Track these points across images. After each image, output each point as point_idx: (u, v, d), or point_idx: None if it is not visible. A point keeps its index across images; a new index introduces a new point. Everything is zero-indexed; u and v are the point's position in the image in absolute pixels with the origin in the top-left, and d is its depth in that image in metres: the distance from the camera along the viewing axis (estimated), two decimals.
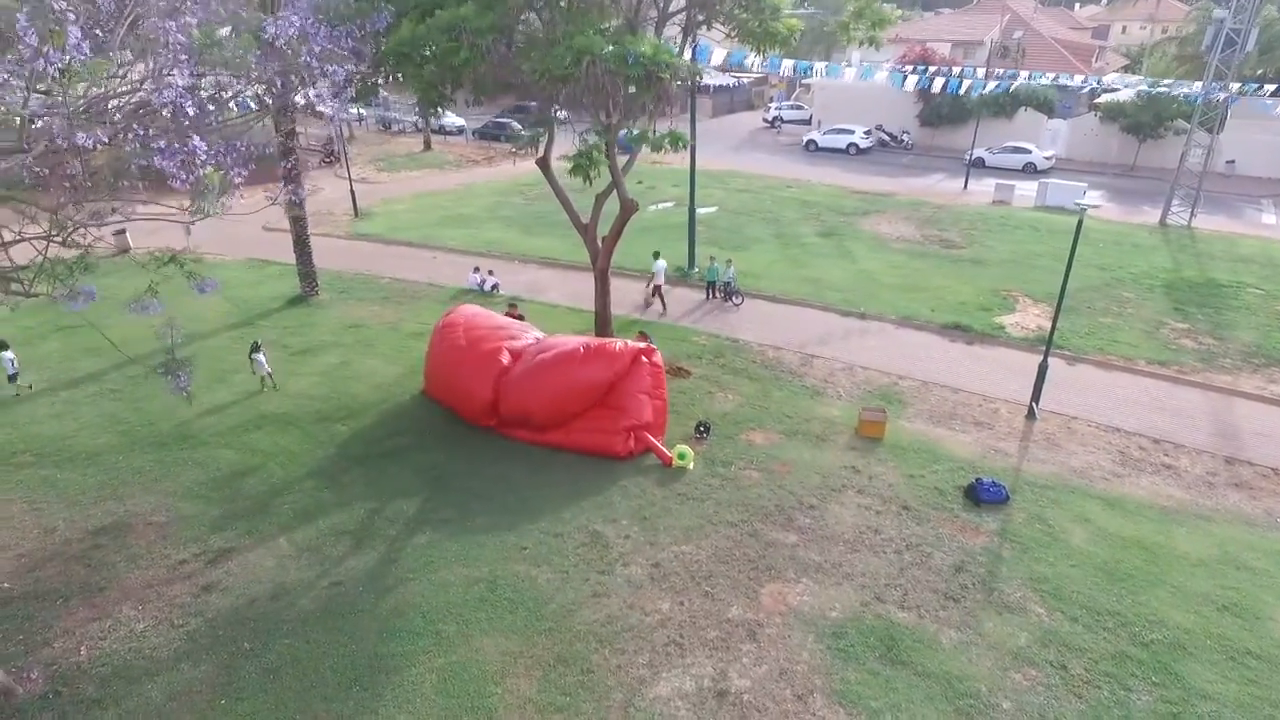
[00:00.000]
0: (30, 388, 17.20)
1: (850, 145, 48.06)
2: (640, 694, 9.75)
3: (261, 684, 9.84)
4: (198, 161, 7.26)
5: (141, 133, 7.00)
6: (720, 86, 63.73)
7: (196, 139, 7.13)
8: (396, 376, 18.08)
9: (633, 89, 12.19)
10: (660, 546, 12.45)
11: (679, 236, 26.36)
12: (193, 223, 8.54)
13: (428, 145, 47.83)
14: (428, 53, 11.04)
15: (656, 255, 22.14)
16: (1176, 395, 18.13)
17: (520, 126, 44.79)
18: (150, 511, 13.24)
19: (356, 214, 32.77)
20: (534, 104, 16.56)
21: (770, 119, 58.96)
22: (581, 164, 13.86)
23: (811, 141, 48.86)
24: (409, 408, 16.78)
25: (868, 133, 49.25)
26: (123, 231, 24.52)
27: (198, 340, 19.70)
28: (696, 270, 24.89)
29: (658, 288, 22.20)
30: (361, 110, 55.16)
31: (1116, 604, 11.37)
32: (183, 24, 6.85)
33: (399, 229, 30.76)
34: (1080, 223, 15.66)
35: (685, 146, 14.51)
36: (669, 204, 33.93)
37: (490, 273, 24.23)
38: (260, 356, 16.98)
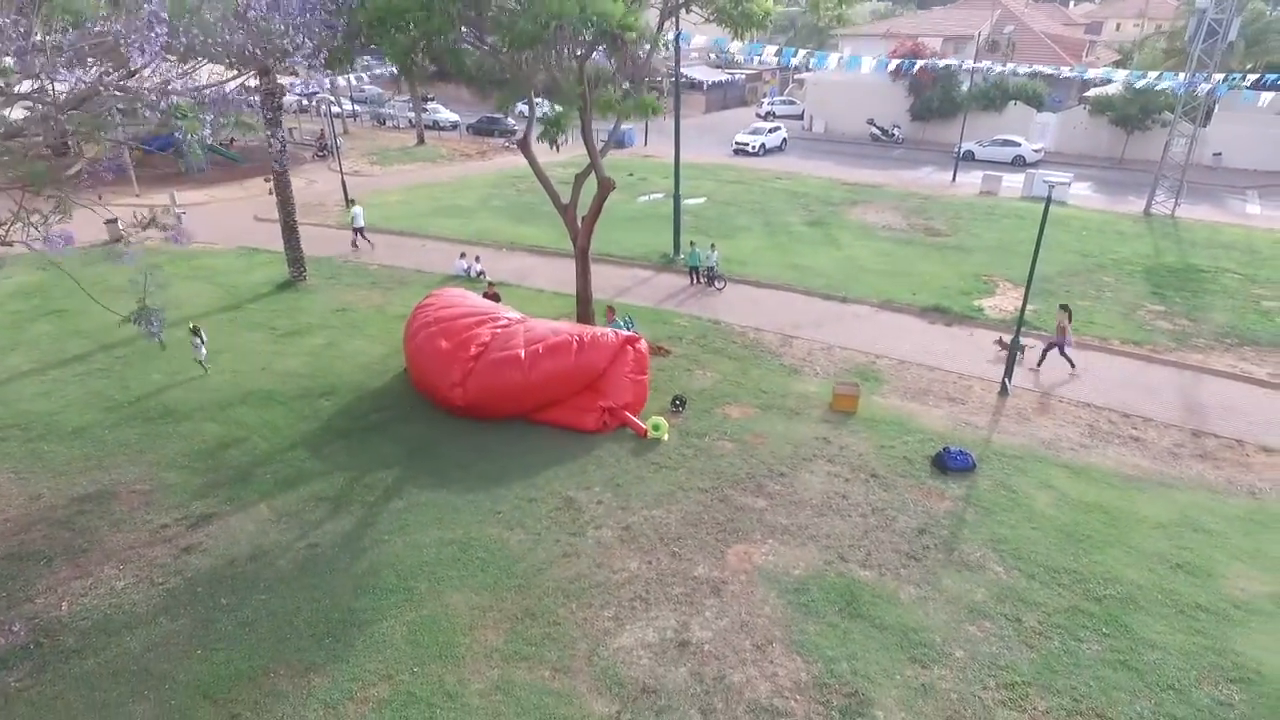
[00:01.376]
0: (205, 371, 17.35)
1: (759, 146, 46.19)
2: (604, 644, 10.04)
3: (237, 635, 10.14)
4: (159, 47, 7.19)
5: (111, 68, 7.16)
6: (714, 83, 64.16)
7: (158, 28, 7.12)
8: (381, 355, 18.39)
9: (602, 49, 12.44)
10: (631, 511, 12.74)
11: (665, 227, 26.72)
12: (183, 213, 8.84)
13: (421, 140, 48.20)
14: (402, 20, 11.33)
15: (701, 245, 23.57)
16: (1148, 373, 18.43)
17: (513, 121, 45.36)
18: (134, 480, 13.55)
19: (348, 204, 33.07)
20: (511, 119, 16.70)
21: (763, 114, 59.32)
22: (549, 131, 14.14)
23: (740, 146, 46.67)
24: (393, 385, 17.08)
25: (774, 130, 48.27)
26: (114, 220, 24.83)
27: (186, 321, 19.94)
28: (681, 256, 25.20)
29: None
30: (356, 106, 55.68)
31: (1073, 563, 11.66)
32: None
33: (390, 218, 31.06)
34: (1049, 198, 15.93)
35: (656, 114, 14.78)
36: (659, 195, 34.23)
37: (477, 259, 24.55)
38: (198, 340, 17.10)
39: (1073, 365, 18.09)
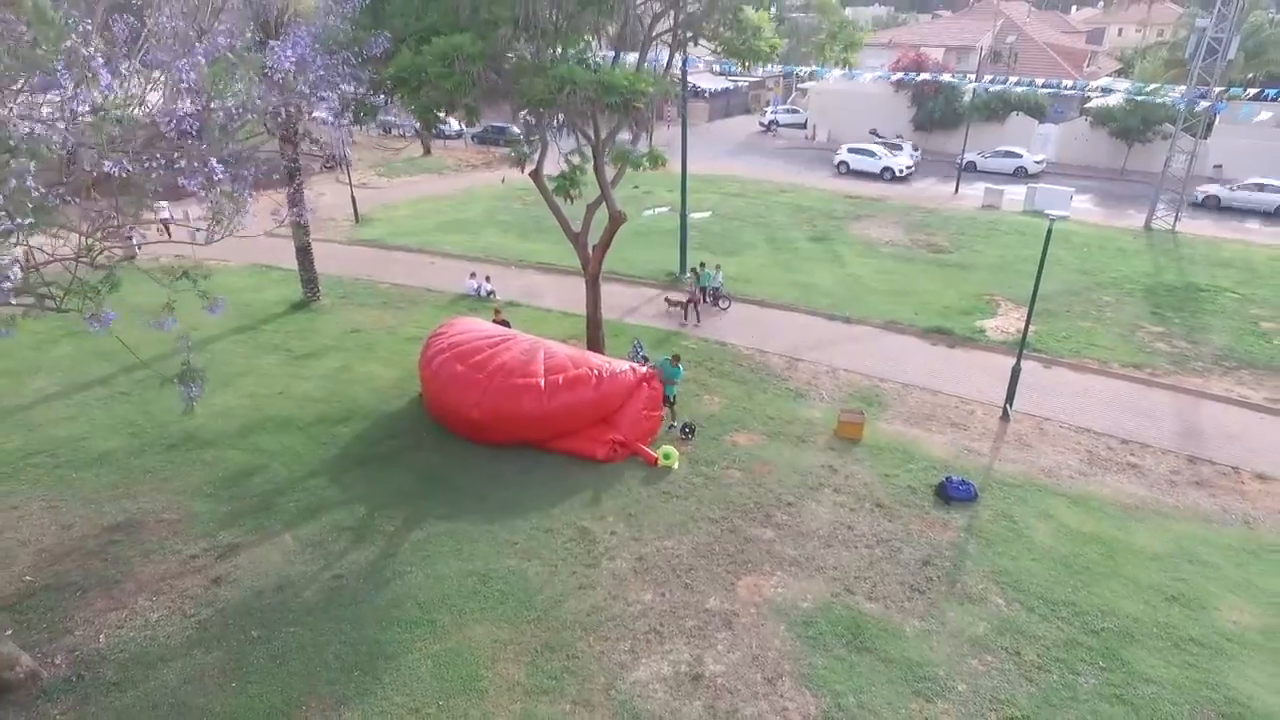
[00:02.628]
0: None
1: (897, 171, 42.70)
2: (621, 677, 10.46)
3: (269, 669, 10.56)
4: (214, 180, 7.97)
5: (162, 160, 7.70)
6: (717, 91, 64.48)
7: (214, 161, 7.85)
8: (394, 380, 18.81)
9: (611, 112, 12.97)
10: (644, 541, 13.17)
11: (671, 243, 27.12)
12: (199, 230, 9.27)
13: (427, 150, 48.63)
14: (424, 78, 11.76)
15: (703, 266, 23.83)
16: (1147, 397, 18.83)
17: (519, 130, 45.74)
18: (162, 509, 13.98)
19: (357, 219, 33.53)
20: (516, 127, 17.19)
21: (766, 123, 59.70)
22: (563, 185, 14.62)
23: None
24: (407, 410, 17.50)
25: (897, 147, 45.45)
26: (129, 236, 25.24)
27: (204, 345, 20.39)
28: (688, 275, 25.58)
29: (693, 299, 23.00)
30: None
31: (1072, 595, 12.08)
32: (194, 62, 7.55)
33: (399, 234, 31.53)
34: (1049, 232, 16.34)
35: (664, 164, 15.28)
36: (664, 209, 34.61)
37: (487, 278, 24.96)
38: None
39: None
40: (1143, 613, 11.75)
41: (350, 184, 33.85)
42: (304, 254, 23.48)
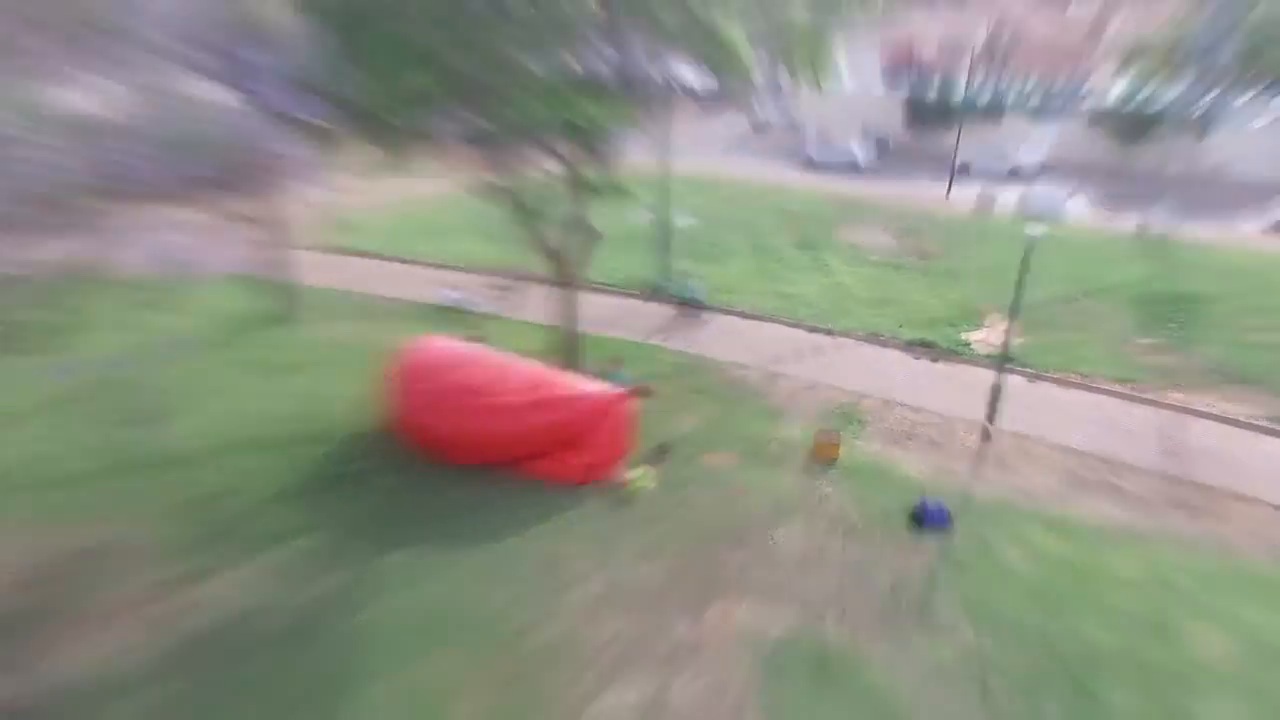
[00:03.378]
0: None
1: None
2: (586, 709, 10.40)
3: (230, 702, 10.51)
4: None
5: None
6: (705, 87, 63.82)
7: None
8: (368, 397, 18.61)
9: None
10: (613, 567, 13.07)
11: (654, 249, 26.76)
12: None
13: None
14: (394, 120, 11.74)
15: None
16: (1132, 413, 18.68)
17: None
18: (130, 533, 13.87)
19: (334, 226, 33.17)
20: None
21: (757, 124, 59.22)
22: (532, 217, 14.61)
23: None
24: (377, 430, 17.30)
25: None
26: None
27: (180, 360, 20.26)
28: (670, 285, 25.34)
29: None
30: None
31: (1042, 622, 11.98)
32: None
33: (376, 241, 31.28)
34: (1031, 245, 16.08)
35: (625, 195, 15.32)
36: (648, 216, 34.29)
37: (462, 290, 24.75)
38: None
39: None
40: (1113, 641, 11.66)
41: (328, 189, 33.50)
42: (281, 262, 23.33)
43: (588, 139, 12.25)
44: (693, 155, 44.56)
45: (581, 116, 12.12)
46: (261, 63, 10.49)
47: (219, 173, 9.77)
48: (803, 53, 16.05)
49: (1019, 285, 16.42)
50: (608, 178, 14.72)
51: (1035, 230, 16.50)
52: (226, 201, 9.83)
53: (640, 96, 13.76)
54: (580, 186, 14.92)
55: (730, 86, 16.68)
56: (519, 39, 11.47)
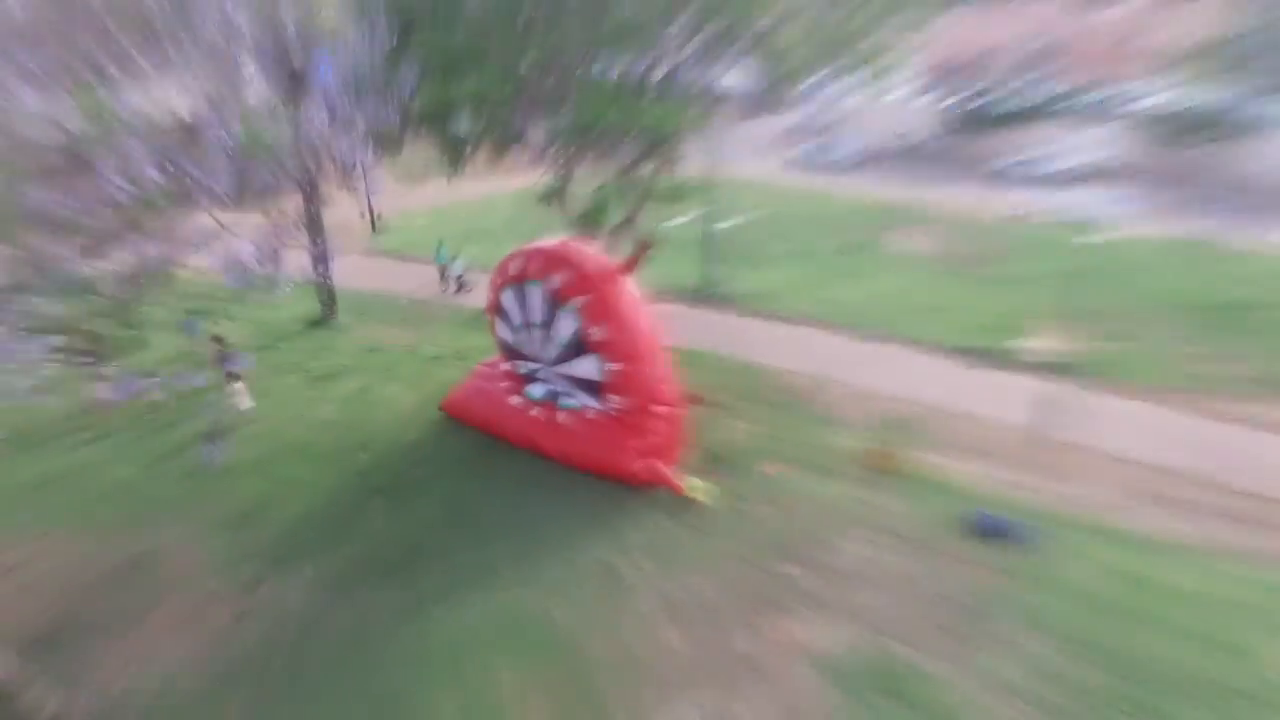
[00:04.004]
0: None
1: None
2: None
3: (293, 713, 10.45)
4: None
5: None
6: (748, 89, 63.54)
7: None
8: (415, 404, 18.66)
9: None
10: (670, 579, 12.96)
11: (694, 254, 26.62)
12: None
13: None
14: (455, 124, 11.70)
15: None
16: (1192, 425, 18.24)
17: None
18: (182, 541, 13.92)
19: (374, 229, 33.45)
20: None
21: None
22: (591, 218, 14.50)
23: None
24: (427, 436, 17.33)
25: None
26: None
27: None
28: (715, 288, 25.17)
29: None
30: None
31: (1106, 638, 11.73)
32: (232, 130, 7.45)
33: (417, 245, 31.36)
34: (1080, 254, 15.86)
35: (690, 198, 15.16)
36: (692, 217, 34.02)
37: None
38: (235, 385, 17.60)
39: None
40: (1181, 658, 11.40)
41: (367, 192, 33.71)
42: (322, 269, 23.35)
43: (655, 143, 12.11)
44: (737, 159, 44.48)
45: (650, 120, 11.99)
46: (323, 66, 10.47)
47: (285, 178, 9.74)
48: (854, 55, 15.87)
49: (1071, 292, 16.16)
50: (673, 182, 14.60)
51: (1086, 236, 16.22)
52: (290, 207, 9.86)
53: (705, 100, 13.65)
54: (642, 191, 14.79)
55: (779, 89, 16.53)
56: (583, 40, 11.41)
